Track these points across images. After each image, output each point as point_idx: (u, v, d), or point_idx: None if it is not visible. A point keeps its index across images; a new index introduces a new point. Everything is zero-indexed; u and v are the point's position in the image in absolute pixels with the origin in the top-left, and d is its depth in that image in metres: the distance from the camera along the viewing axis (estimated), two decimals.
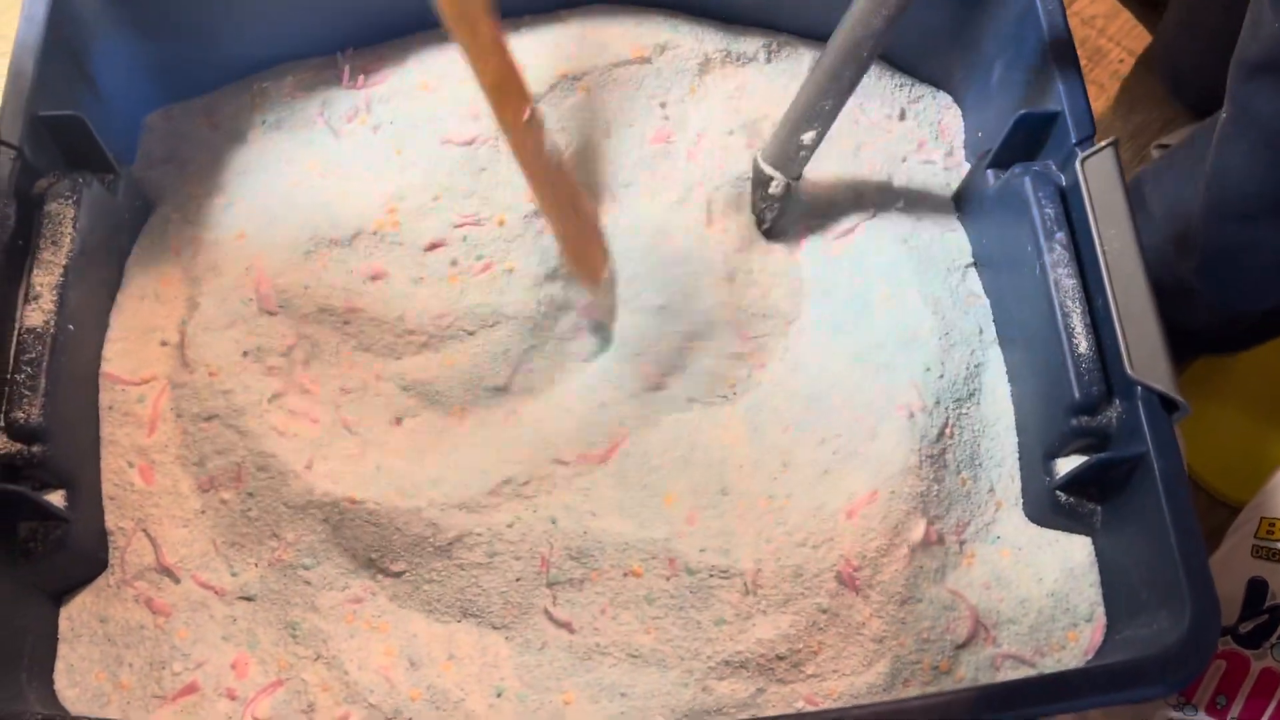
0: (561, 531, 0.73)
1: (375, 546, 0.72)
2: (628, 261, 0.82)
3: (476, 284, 0.81)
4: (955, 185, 0.88)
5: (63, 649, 0.71)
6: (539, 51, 0.87)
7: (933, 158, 0.90)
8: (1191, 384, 1.00)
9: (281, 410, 0.76)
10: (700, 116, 0.88)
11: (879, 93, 0.91)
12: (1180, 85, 1.06)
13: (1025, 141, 0.78)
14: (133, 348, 0.77)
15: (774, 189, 0.82)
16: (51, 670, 0.70)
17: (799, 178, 0.83)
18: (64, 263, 0.70)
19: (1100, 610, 0.71)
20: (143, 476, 0.74)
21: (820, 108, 0.78)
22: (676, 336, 0.80)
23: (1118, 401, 0.70)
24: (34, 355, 0.67)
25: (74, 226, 0.70)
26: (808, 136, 0.79)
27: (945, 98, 0.92)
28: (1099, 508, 0.73)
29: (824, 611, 0.71)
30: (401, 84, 0.87)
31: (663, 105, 0.88)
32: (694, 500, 0.75)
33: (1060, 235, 0.73)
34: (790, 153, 0.81)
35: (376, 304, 0.79)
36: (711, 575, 0.71)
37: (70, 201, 0.71)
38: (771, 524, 0.73)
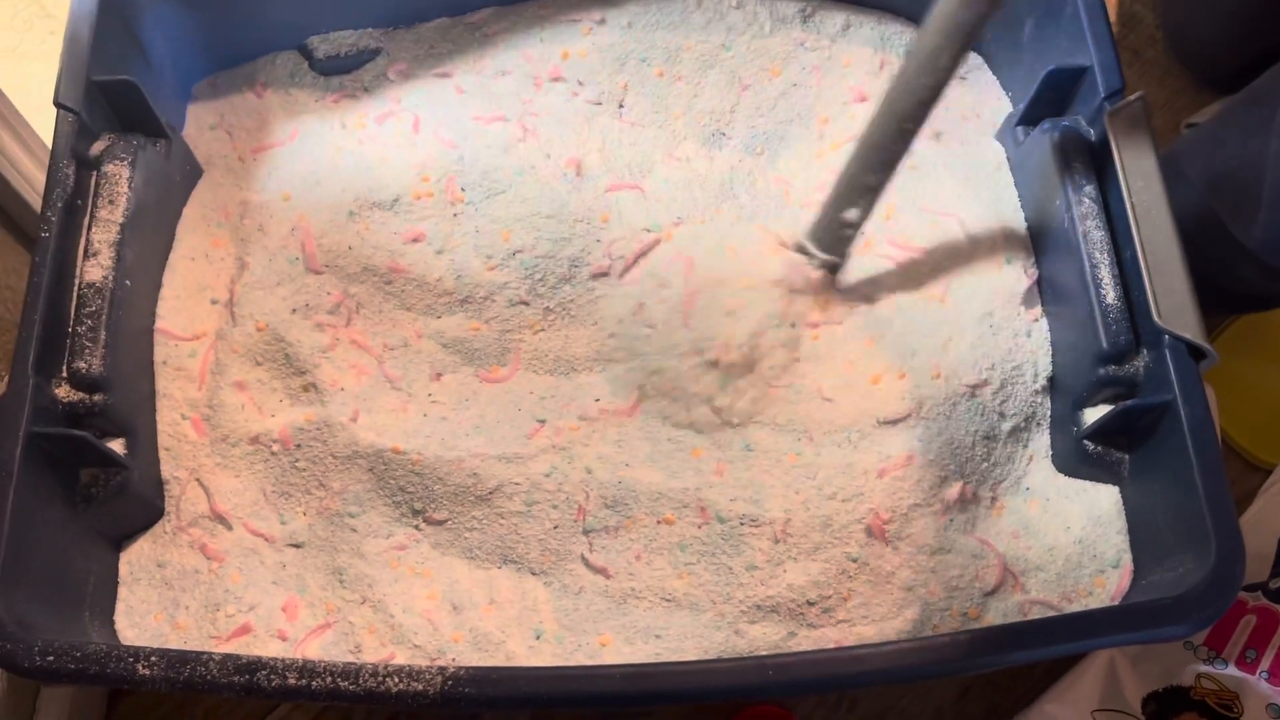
0: (597, 481, 0.75)
1: (418, 495, 0.75)
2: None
3: (503, 250, 0.82)
4: (985, 144, 0.89)
5: (123, 592, 0.74)
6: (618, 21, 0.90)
7: (964, 117, 0.90)
8: (1225, 350, 1.00)
9: (329, 364, 0.78)
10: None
11: None
12: (1189, 58, 1.07)
13: (1054, 97, 0.79)
14: (185, 305, 0.80)
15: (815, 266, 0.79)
16: (113, 612, 0.73)
17: (845, 257, 0.79)
18: (120, 220, 0.72)
19: (1127, 557, 0.72)
20: (195, 428, 0.77)
21: (863, 183, 0.74)
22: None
23: (1145, 351, 0.70)
24: (94, 309, 0.70)
25: (129, 186, 0.73)
26: (851, 214, 0.75)
27: (976, 59, 0.92)
28: (1127, 456, 0.73)
29: (854, 560, 0.72)
30: (424, 70, 0.90)
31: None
32: (719, 454, 0.76)
33: (1088, 188, 0.74)
34: (835, 230, 0.77)
35: (417, 265, 0.81)
36: (742, 523, 0.73)
37: (126, 162, 0.74)
38: (801, 478, 0.75)
